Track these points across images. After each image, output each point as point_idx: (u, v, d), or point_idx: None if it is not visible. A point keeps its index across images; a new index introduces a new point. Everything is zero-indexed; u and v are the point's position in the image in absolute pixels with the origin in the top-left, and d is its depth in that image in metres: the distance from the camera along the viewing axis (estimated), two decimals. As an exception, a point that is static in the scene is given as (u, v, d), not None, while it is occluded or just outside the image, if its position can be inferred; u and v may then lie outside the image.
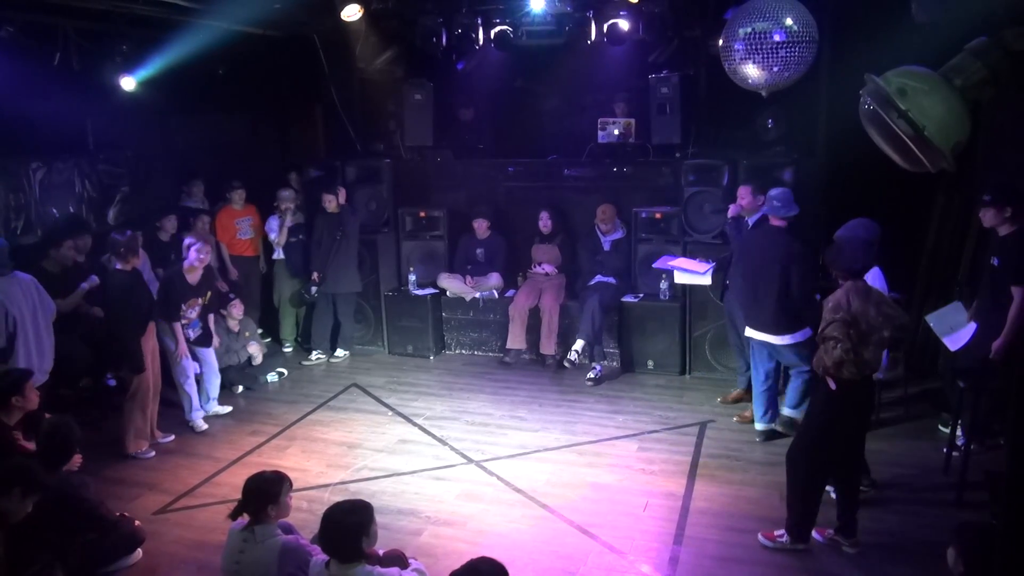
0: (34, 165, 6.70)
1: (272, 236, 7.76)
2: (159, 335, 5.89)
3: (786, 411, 5.61)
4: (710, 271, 6.41)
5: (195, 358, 6.14)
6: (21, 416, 4.39)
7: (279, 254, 7.86)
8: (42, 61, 6.22)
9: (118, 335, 5.63)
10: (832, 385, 4.05)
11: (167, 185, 7.86)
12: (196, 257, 5.92)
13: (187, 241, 6.04)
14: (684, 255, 6.86)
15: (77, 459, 4.25)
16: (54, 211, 6.86)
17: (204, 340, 6.18)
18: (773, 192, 5.39)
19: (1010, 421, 1.99)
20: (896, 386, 6.07)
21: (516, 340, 7.36)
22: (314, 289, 7.57)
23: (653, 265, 6.84)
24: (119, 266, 5.54)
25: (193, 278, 5.97)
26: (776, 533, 4.30)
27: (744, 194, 5.90)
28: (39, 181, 6.74)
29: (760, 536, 4.33)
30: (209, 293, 6.17)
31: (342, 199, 7.48)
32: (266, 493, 3.56)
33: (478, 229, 7.72)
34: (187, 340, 6.00)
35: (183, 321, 5.97)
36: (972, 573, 2.86)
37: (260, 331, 7.44)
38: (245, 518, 3.59)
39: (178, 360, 5.94)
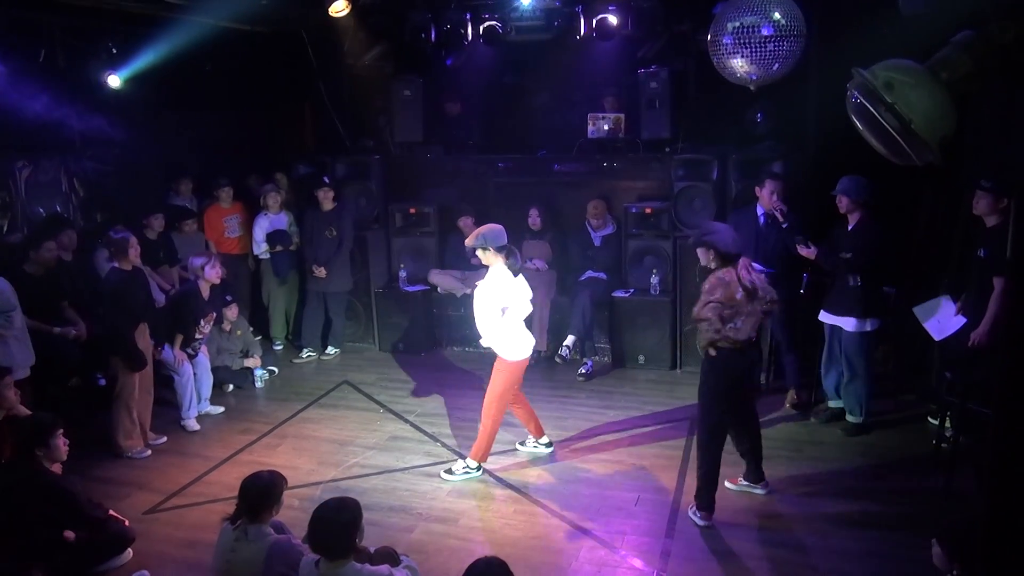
0: (20, 163, 6.64)
1: (257, 241, 7.70)
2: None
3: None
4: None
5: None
6: (2, 416, 4.33)
7: (264, 254, 7.81)
8: (27, 58, 6.17)
9: (113, 333, 5.57)
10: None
11: (154, 183, 7.80)
12: (215, 274, 6.12)
13: (199, 261, 6.16)
14: (676, 251, 6.86)
15: (64, 448, 4.20)
16: (40, 210, 6.78)
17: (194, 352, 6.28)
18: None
19: (994, 408, 1.99)
20: (886, 379, 6.09)
21: None
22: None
23: None
24: (116, 264, 5.50)
25: (206, 293, 6.13)
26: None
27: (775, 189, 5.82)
28: (25, 180, 6.68)
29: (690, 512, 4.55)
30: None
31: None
32: (269, 495, 3.55)
33: (464, 227, 7.71)
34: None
35: (198, 336, 6.12)
36: (968, 571, 2.86)
37: (251, 328, 7.40)
38: (239, 515, 3.58)
39: (178, 367, 6.03)
